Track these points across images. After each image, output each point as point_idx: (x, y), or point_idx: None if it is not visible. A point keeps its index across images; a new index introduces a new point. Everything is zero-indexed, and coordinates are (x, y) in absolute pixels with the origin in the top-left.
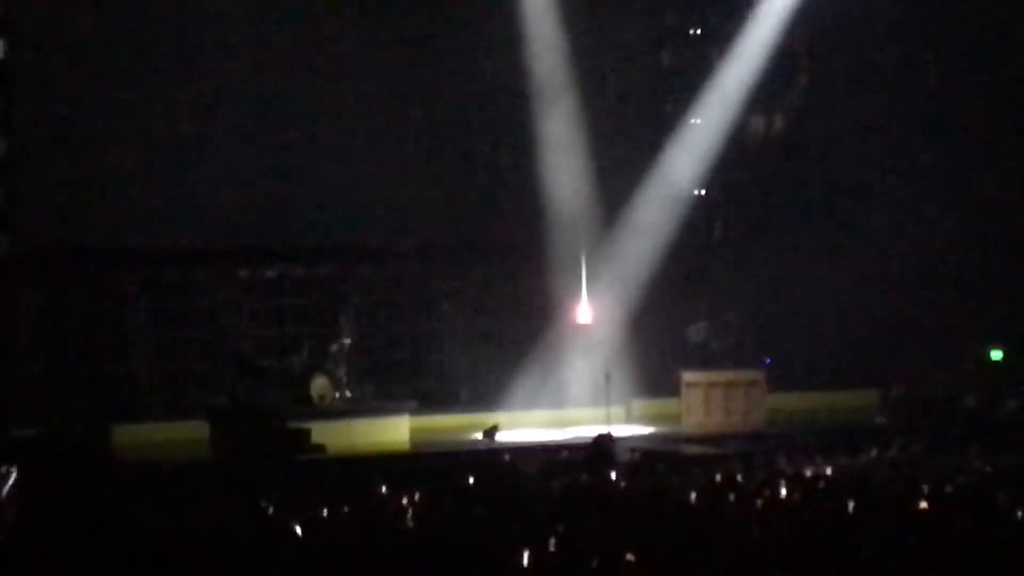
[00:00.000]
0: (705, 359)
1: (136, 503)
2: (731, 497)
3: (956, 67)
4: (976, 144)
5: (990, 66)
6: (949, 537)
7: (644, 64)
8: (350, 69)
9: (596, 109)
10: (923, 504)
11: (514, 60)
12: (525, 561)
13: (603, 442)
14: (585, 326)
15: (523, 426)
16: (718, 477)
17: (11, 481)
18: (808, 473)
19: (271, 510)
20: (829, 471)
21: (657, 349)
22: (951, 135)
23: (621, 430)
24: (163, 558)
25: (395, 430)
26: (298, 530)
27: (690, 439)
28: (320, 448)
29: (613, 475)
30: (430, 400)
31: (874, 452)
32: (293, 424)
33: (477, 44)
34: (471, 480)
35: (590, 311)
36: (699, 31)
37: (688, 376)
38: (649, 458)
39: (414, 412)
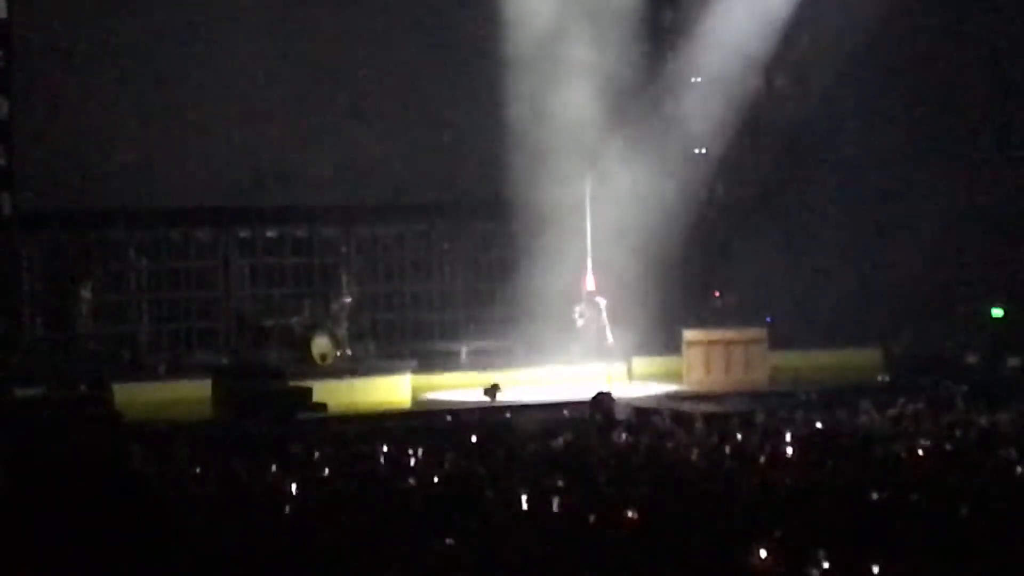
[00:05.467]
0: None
1: (140, 462)
2: (732, 455)
3: (961, 30)
4: (976, 103)
5: (991, 31)
6: (951, 493)
7: (646, 23)
8: (349, 32)
9: (597, 69)
10: (925, 461)
11: (512, 20)
12: (526, 519)
13: (603, 400)
14: (587, 284)
15: (524, 384)
16: (719, 435)
17: None
18: (809, 431)
19: (272, 468)
20: (831, 428)
21: (658, 307)
22: (951, 94)
23: (621, 388)
24: (167, 516)
25: (396, 389)
26: (299, 489)
27: (691, 397)
28: (321, 407)
29: (613, 433)
30: (431, 359)
31: (876, 410)
32: (294, 383)
33: (474, 5)
34: (472, 439)
35: (592, 270)
36: None
37: (689, 334)
38: (649, 416)
39: (415, 371)
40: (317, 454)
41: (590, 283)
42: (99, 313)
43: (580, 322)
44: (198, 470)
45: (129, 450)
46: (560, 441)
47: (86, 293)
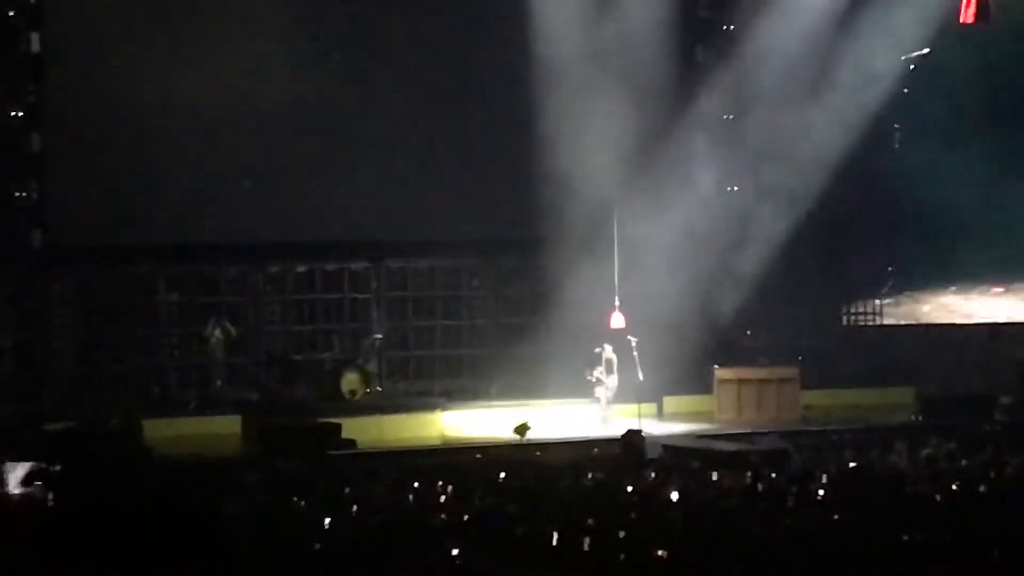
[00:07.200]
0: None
1: (170, 495)
2: (763, 494)
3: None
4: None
5: None
6: (984, 535)
7: (677, 59)
8: (376, 66)
9: (628, 105)
10: (958, 502)
11: (543, 56)
12: (556, 557)
13: (633, 439)
14: (612, 322)
15: (553, 422)
16: (749, 474)
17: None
18: (841, 470)
19: (302, 504)
20: (863, 468)
21: (689, 345)
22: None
23: (652, 426)
24: (195, 550)
25: (426, 425)
26: (329, 524)
27: (722, 436)
28: (351, 443)
29: (643, 471)
30: (461, 395)
31: (908, 450)
32: (324, 419)
33: (504, 41)
34: (502, 476)
35: (619, 308)
36: (732, 26)
37: (721, 372)
38: (680, 454)
39: (445, 407)
40: (346, 490)
41: (616, 321)
42: (230, 349)
43: (599, 389)
44: (226, 505)
45: (160, 484)
46: (590, 480)
47: (221, 330)
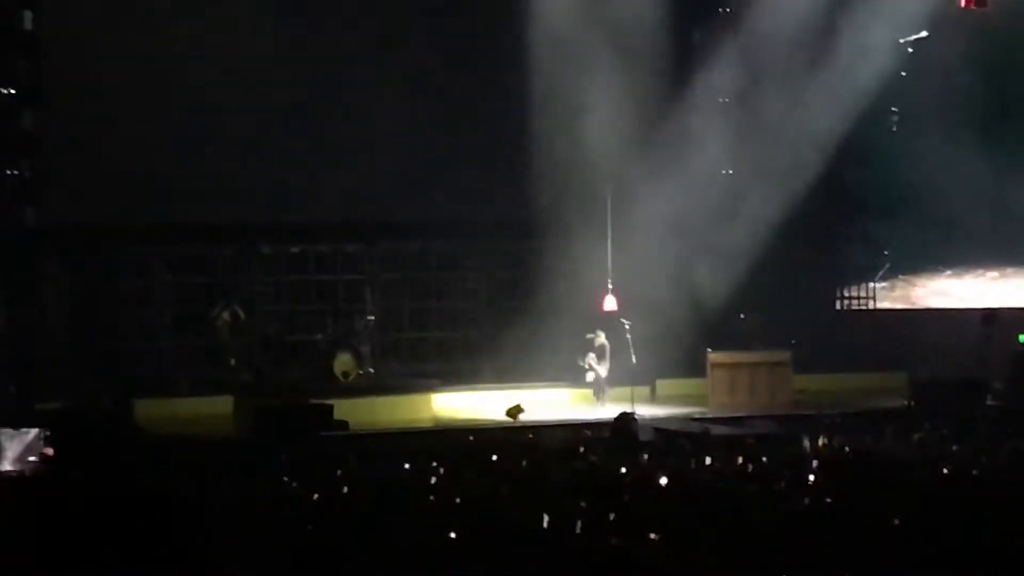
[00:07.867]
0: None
1: (161, 476)
2: (755, 478)
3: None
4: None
5: None
6: (976, 520)
7: (674, 42)
8: (371, 46)
9: (624, 88)
10: (950, 486)
11: (540, 37)
12: (548, 539)
13: (625, 421)
14: (605, 305)
15: (546, 404)
16: (742, 458)
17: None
18: (833, 454)
19: (294, 485)
20: (855, 452)
21: (682, 328)
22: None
23: (645, 409)
24: (187, 530)
25: (419, 407)
26: (319, 506)
27: (715, 419)
28: (343, 424)
29: (636, 455)
30: (454, 377)
31: (901, 434)
32: (316, 400)
33: (499, 25)
34: (494, 458)
35: (614, 291)
36: (729, 9)
37: (714, 356)
38: (673, 437)
39: (438, 389)
40: (338, 472)
41: (610, 304)
42: (236, 332)
43: (589, 375)
44: (217, 486)
45: (151, 465)
46: (582, 462)
47: (230, 313)
